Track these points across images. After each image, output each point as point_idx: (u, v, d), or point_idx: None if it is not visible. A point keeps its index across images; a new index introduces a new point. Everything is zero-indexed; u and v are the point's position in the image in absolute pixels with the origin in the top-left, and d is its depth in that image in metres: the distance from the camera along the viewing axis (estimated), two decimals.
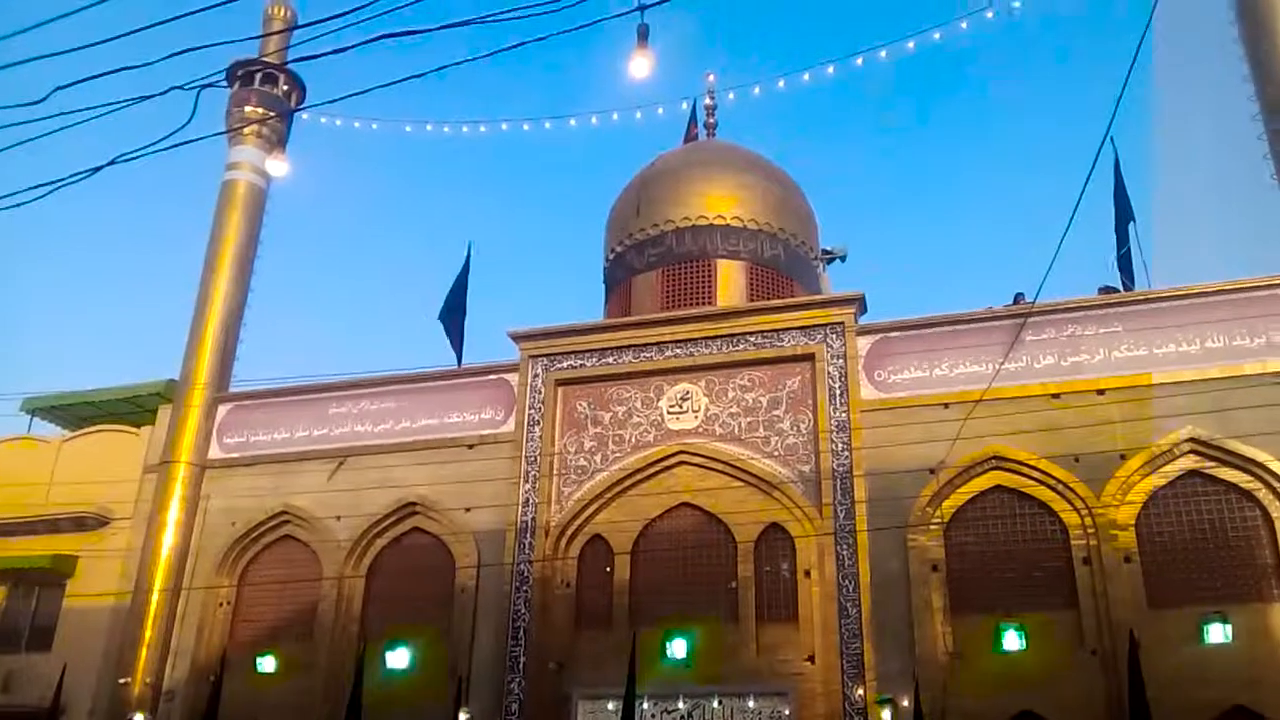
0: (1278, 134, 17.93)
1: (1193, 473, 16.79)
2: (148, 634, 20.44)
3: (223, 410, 22.83)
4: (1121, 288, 18.63)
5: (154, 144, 8.80)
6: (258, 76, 25.25)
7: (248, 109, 24.99)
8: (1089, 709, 15.69)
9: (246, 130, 24.78)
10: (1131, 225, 18.95)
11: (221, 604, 21.13)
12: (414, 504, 20.48)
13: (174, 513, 21.56)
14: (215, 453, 22.45)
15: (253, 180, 24.86)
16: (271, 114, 24.77)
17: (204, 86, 8.60)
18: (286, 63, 25.15)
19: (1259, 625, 15.57)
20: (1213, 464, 16.65)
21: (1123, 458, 16.87)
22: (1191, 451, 16.74)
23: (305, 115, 25.56)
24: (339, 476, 21.17)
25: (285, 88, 25.50)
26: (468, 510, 20.03)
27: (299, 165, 23.18)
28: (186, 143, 8.95)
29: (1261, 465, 16.22)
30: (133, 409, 24.18)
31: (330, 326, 68.88)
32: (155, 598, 20.71)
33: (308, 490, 21.19)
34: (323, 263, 72.81)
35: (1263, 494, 16.27)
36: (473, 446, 20.65)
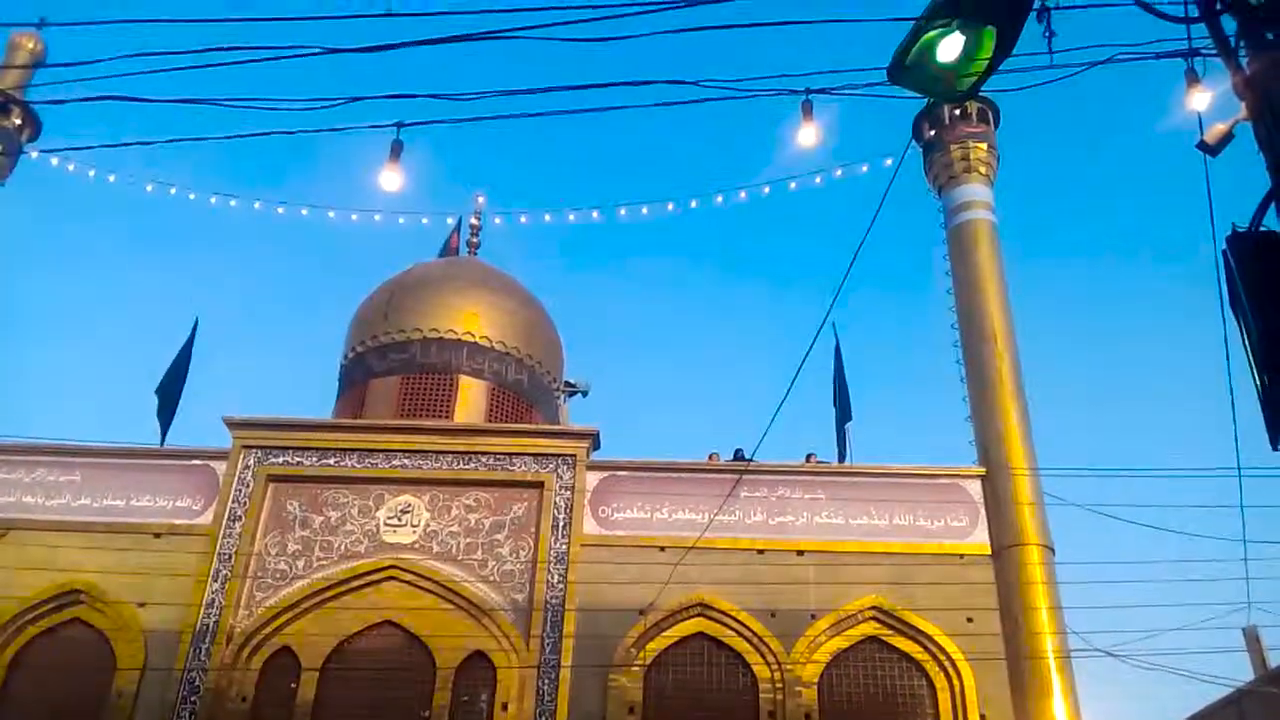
0: (968, 345, 20.46)
1: (872, 638, 18.07)
2: None
3: None
4: (839, 458, 20.14)
5: None
6: None
7: None
8: None
9: None
10: (848, 415, 20.66)
11: None
12: (80, 592, 18.31)
13: None
14: None
15: None
16: None
17: None
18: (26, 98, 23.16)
19: None
20: (890, 632, 18.02)
21: (813, 617, 17.92)
22: (873, 618, 18.06)
23: (35, 154, 23.47)
24: None
25: (18, 122, 23.40)
26: (141, 605, 18.13)
27: (24, 207, 21.14)
28: None
29: (930, 638, 17.73)
30: None
31: (17, 384, 61.67)
32: None
33: None
34: (27, 315, 65.65)
35: (929, 665, 17.72)
36: (159, 535, 18.89)
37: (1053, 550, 18.43)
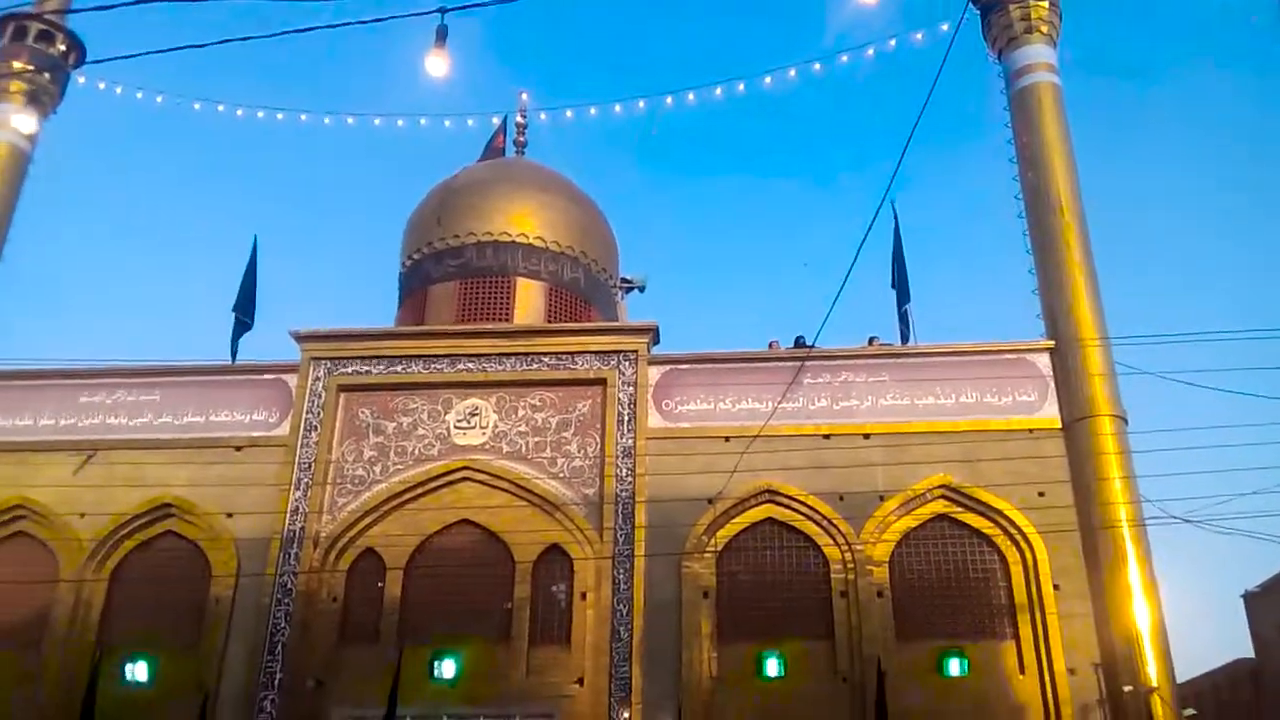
0: (1034, 216, 19.89)
1: (942, 516, 18.14)
2: None
3: None
4: (901, 340, 19.91)
5: None
6: (31, 32, 23.12)
7: (16, 65, 22.80)
8: None
9: (13, 88, 22.62)
10: (907, 295, 20.27)
11: None
12: (170, 505, 19.10)
13: None
14: None
15: (14, 142, 22.67)
16: (42, 72, 22.71)
17: None
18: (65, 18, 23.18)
19: (991, 661, 16.95)
20: (959, 509, 18.06)
21: (881, 498, 18.01)
22: (942, 496, 18.10)
23: (83, 80, 23.61)
24: (87, 471, 19.44)
25: (62, 48, 23.45)
26: (230, 516, 18.88)
27: (75, 133, 21.39)
28: None
29: (1001, 513, 17.74)
30: None
31: (92, 308, 63.49)
32: None
33: (49, 484, 19.31)
34: (92, 239, 67.13)
35: (1001, 540, 17.77)
36: (241, 448, 19.53)
37: (1125, 420, 18.17)
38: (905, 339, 19.83)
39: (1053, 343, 18.90)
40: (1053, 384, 18.63)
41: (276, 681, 17.47)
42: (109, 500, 19.00)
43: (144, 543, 19.20)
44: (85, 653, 18.00)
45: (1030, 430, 18.33)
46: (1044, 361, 18.88)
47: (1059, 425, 18.28)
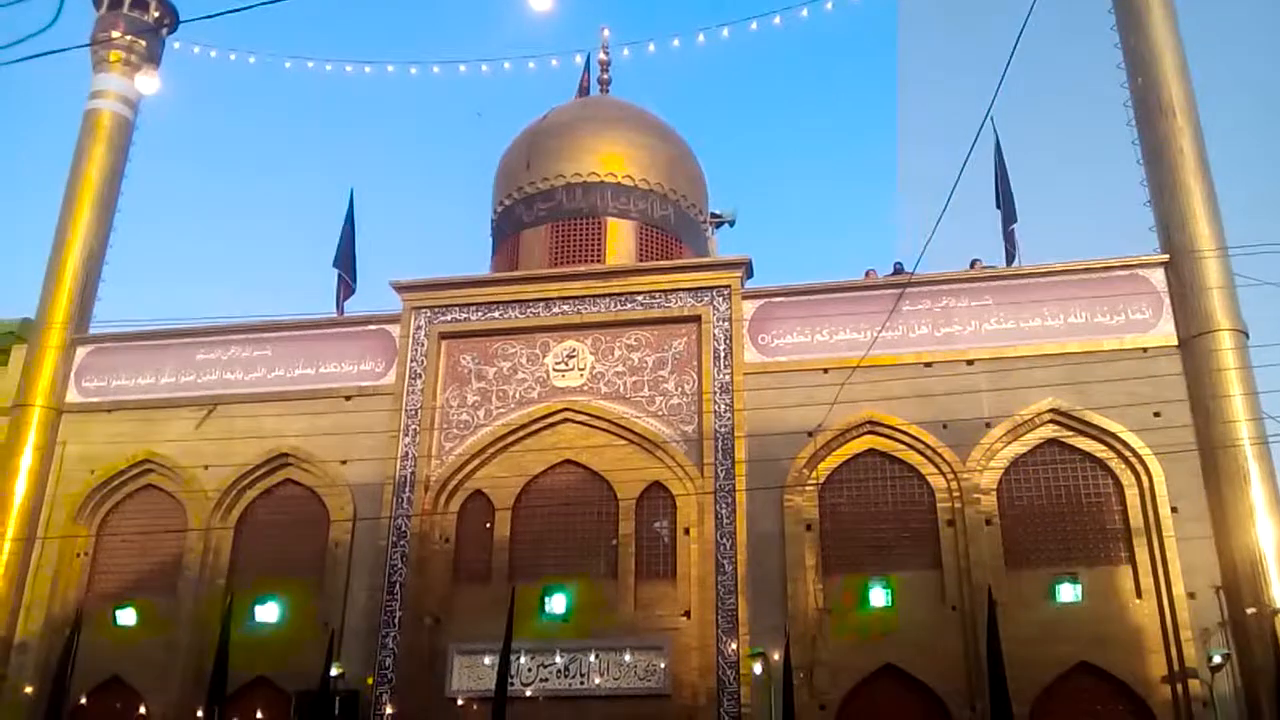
0: (1144, 123, 18.92)
1: (1052, 441, 17.68)
2: None
3: (81, 352, 21.69)
4: (1006, 261, 19.26)
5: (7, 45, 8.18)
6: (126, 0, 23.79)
7: (114, 34, 23.51)
8: (948, 663, 16.47)
9: (113, 57, 23.38)
10: (1013, 215, 19.54)
11: (79, 554, 20.21)
12: (287, 455, 19.92)
13: (27, 459, 20.49)
14: (73, 396, 21.34)
15: (118, 110, 23.51)
16: (139, 39, 23.37)
17: None
18: None
19: (1106, 586, 16.58)
20: (1070, 434, 17.56)
21: (988, 425, 17.62)
22: (1051, 421, 17.61)
23: (178, 45, 24.24)
24: (207, 425, 20.39)
25: (156, 14, 24.07)
26: (344, 463, 19.59)
27: (170, 97, 22.02)
28: (44, 54, 8.34)
29: (1114, 435, 17.19)
30: None
31: (200, 269, 65.94)
32: (7, 547, 19.66)
33: (173, 438, 20.35)
34: (194, 201, 69.46)
35: (1114, 463, 17.25)
36: (350, 398, 20.17)
37: (1246, 334, 17.33)
38: (1011, 260, 19.19)
39: (1167, 256, 18.05)
40: (1168, 299, 17.84)
41: (397, 619, 18.21)
42: (230, 452, 19.91)
43: (265, 491, 20.12)
44: (217, 597, 19.06)
45: (1144, 349, 17.63)
46: (1158, 277, 18.07)
47: (1175, 342, 17.54)
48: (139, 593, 19.46)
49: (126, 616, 18.86)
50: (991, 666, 15.11)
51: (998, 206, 19.80)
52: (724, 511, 17.87)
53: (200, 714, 16.80)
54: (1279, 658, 14.92)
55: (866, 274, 19.71)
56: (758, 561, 17.46)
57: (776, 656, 16.28)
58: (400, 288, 20.75)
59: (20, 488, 20.23)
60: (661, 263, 21.48)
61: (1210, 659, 15.54)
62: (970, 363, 18.10)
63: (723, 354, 18.92)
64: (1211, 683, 15.52)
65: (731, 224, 26.27)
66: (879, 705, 16.64)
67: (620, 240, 22.74)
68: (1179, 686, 15.78)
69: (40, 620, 19.50)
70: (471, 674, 17.70)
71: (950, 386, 17.80)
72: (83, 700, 18.45)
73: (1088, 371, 17.47)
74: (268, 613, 18.21)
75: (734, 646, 16.94)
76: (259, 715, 18.04)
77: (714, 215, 25.72)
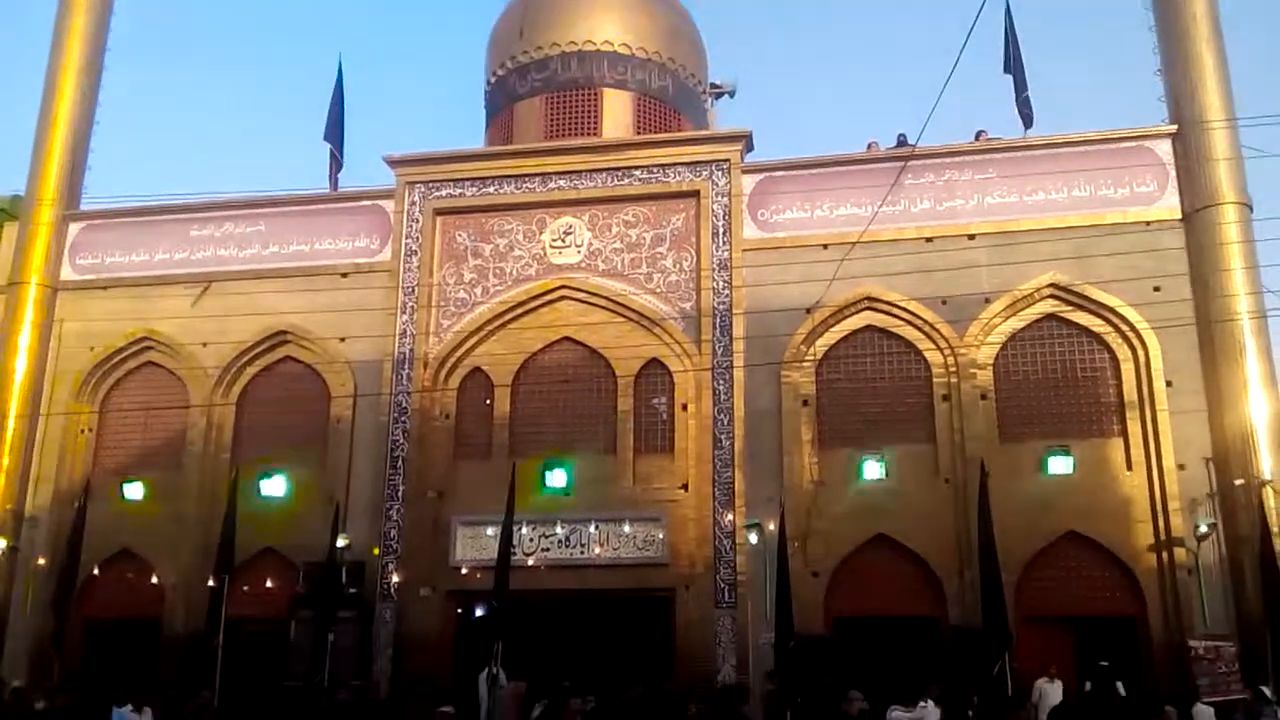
0: None
1: (1050, 316, 17.68)
2: (5, 460, 19.72)
3: (74, 229, 21.46)
4: (1024, 125, 18.70)
5: None
6: None
7: None
8: (939, 534, 16.85)
9: None
10: (1024, 84, 18.92)
11: (83, 430, 20.43)
12: (285, 332, 19.93)
13: (25, 337, 20.50)
14: (68, 274, 21.22)
15: None
16: None
17: None
18: None
19: (1097, 458, 16.83)
20: (1069, 308, 17.55)
21: (987, 301, 17.59)
22: (1051, 296, 17.57)
23: None
24: (204, 302, 20.33)
25: None
26: (342, 340, 19.61)
27: None
28: None
29: (1113, 310, 17.18)
30: None
31: (191, 142, 64.72)
32: (11, 424, 19.86)
33: (170, 315, 20.31)
34: (181, 72, 67.66)
35: (1112, 338, 17.29)
36: (346, 275, 20.05)
37: (1250, 208, 17.13)
38: (1029, 125, 18.61)
39: (1175, 127, 17.68)
40: (1173, 172, 17.55)
41: (400, 493, 18.55)
42: (228, 329, 19.89)
43: (265, 369, 20.20)
44: (222, 471, 19.35)
45: (1148, 223, 17.44)
46: (1165, 148, 17.73)
47: (1179, 216, 17.34)
48: (145, 468, 19.73)
49: (134, 491, 19.17)
50: (982, 536, 15.47)
51: (1006, 71, 19.20)
52: (721, 388, 17.99)
53: (211, 583, 17.24)
54: (1264, 527, 15.24)
55: (869, 146, 19.34)
56: (755, 436, 17.67)
57: (771, 527, 16.65)
58: (393, 162, 20.39)
59: (20, 365, 20.30)
60: (659, 136, 21.07)
61: (1197, 528, 15.90)
62: (972, 237, 17.94)
63: (721, 230, 18.72)
64: (1197, 551, 15.92)
65: (732, 95, 25.62)
66: (870, 573, 17.09)
67: (617, 112, 22.18)
68: (1165, 554, 16.18)
69: (48, 495, 19.86)
70: (474, 544, 18.11)
71: (950, 261, 17.66)
72: (95, 571, 18.94)
73: (1089, 245, 17.31)
74: (273, 487, 18.52)
75: (730, 518, 17.30)
76: (268, 584, 18.55)
77: (713, 86, 25.06)
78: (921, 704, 12.54)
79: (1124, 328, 17.18)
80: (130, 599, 19.04)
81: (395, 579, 18.01)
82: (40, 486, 19.95)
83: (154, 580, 18.96)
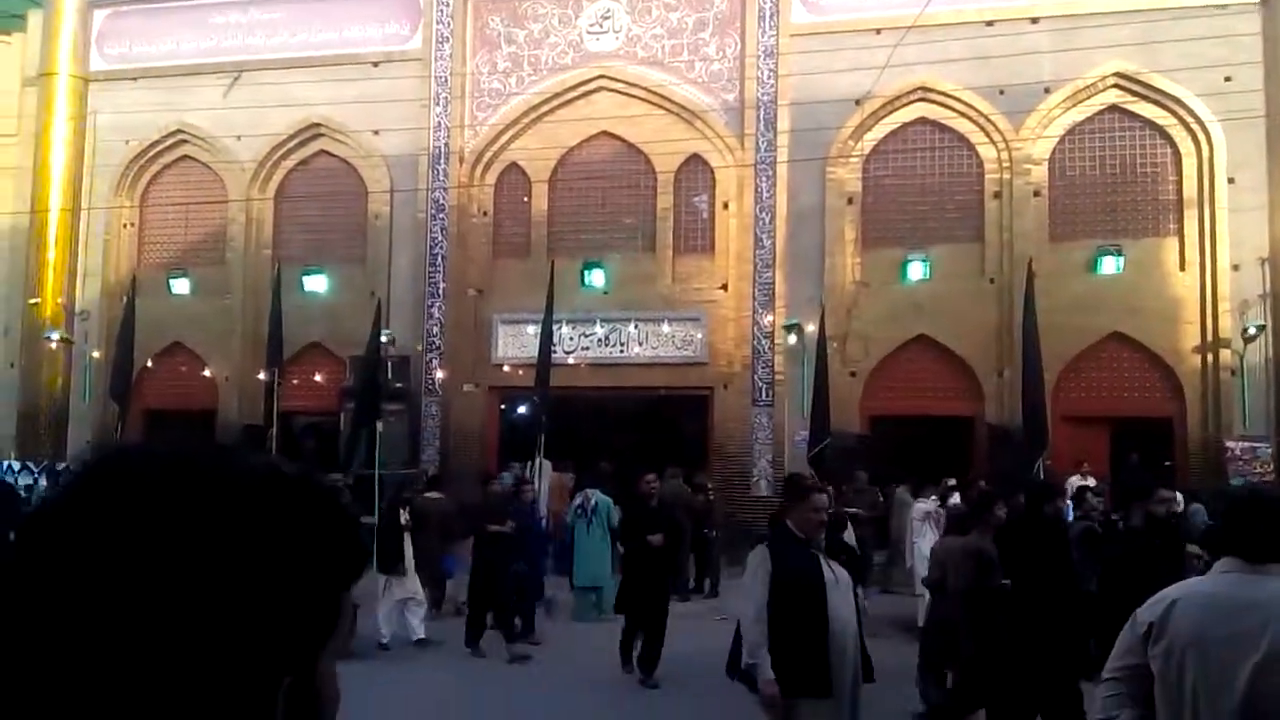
0: None
1: (1112, 108, 16.83)
2: (52, 255, 19.95)
3: (99, 16, 20.76)
4: None
5: None
6: None
7: None
8: (981, 333, 16.75)
9: None
10: None
11: (125, 225, 20.53)
12: (318, 125, 19.52)
13: (60, 129, 20.25)
14: (97, 64, 20.71)
15: None
16: None
17: None
18: None
19: (1149, 258, 16.40)
20: (1133, 99, 16.67)
21: (1047, 91, 16.72)
22: (1115, 86, 16.67)
23: None
24: (235, 93, 19.84)
25: None
26: (376, 133, 19.18)
27: None
28: None
29: (1179, 101, 16.28)
30: None
31: None
32: (55, 218, 19.95)
33: (203, 107, 19.87)
34: None
35: (1175, 130, 16.47)
36: (377, 64, 19.39)
37: None
38: None
39: None
40: None
41: (441, 290, 18.64)
42: (261, 122, 19.44)
43: (301, 163, 19.93)
44: (265, 267, 19.44)
45: (1222, 5, 16.21)
46: None
47: None
48: (189, 264, 19.92)
49: (181, 285, 19.45)
50: (1025, 335, 15.28)
51: None
52: (764, 185, 17.51)
53: (262, 375, 17.69)
54: None
55: None
56: (796, 236, 17.35)
57: (811, 328, 16.57)
58: None
59: (58, 158, 20.15)
60: None
61: (1245, 330, 15.64)
62: (1035, 20, 16.85)
63: (768, 14, 17.70)
64: (1243, 352, 15.72)
65: None
66: (908, 372, 17.16)
67: None
68: (1209, 356, 16.01)
69: (97, 289, 20.21)
70: (515, 342, 18.32)
71: (1010, 48, 16.65)
72: (149, 364, 19.46)
73: (1158, 30, 16.15)
74: (316, 283, 18.69)
75: (770, 319, 17.25)
76: (317, 378, 19.03)
77: None
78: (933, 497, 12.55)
79: (1189, 120, 16.32)
80: (185, 390, 19.68)
81: (439, 375, 18.38)
82: (88, 281, 20.27)
83: (206, 373, 19.50)
